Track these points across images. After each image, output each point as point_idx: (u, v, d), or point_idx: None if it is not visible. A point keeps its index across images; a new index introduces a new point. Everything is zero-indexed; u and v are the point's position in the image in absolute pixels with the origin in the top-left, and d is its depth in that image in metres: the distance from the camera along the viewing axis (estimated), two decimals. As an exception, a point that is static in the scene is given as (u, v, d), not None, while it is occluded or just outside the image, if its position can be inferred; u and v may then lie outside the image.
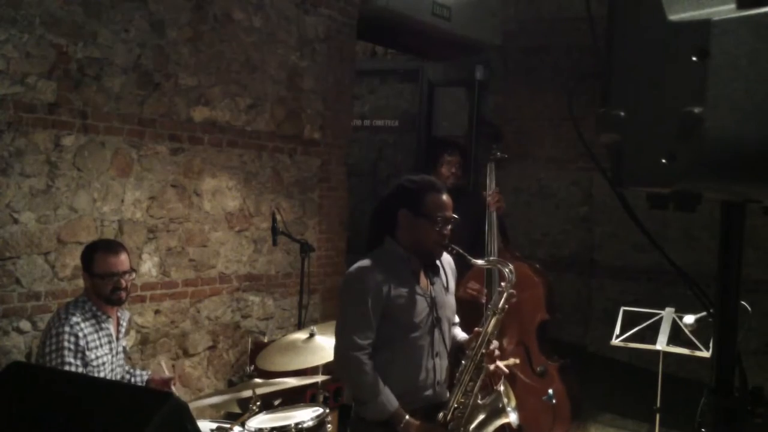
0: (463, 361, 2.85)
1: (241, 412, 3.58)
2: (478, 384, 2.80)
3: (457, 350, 2.96)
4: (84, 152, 4.13)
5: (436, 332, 2.83)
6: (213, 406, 4.22)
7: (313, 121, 5.68)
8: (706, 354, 3.92)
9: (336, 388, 4.52)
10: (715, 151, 1.10)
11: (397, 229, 2.83)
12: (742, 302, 1.44)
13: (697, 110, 1.09)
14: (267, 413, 3.42)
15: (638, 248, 6.88)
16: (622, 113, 1.22)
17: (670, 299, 4.30)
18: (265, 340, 5.01)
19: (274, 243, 4.65)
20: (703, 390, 1.40)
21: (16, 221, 3.83)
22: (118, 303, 3.33)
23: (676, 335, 4.10)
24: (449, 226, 2.82)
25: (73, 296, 4.02)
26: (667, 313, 4.19)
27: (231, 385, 4.93)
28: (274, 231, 4.56)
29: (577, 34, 6.78)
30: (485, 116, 8.04)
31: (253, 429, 3.19)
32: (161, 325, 4.63)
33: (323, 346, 3.47)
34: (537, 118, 7.67)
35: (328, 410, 3.41)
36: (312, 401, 3.87)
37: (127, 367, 3.50)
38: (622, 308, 4.34)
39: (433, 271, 2.90)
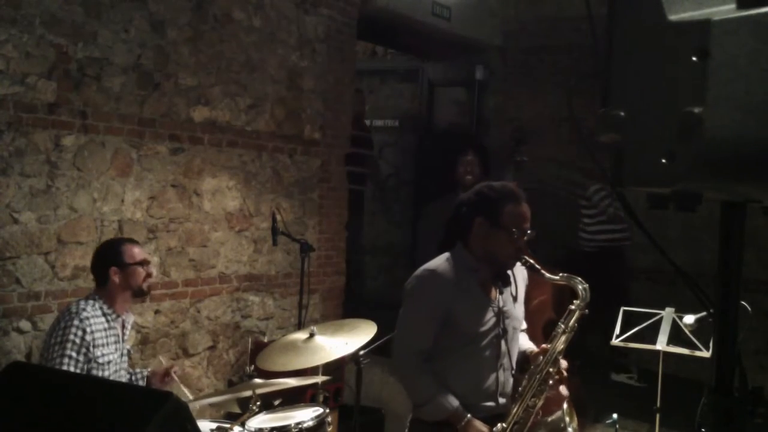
0: (527, 376, 2.77)
1: (241, 412, 3.57)
2: (540, 401, 2.72)
3: (522, 360, 2.89)
4: (84, 152, 4.13)
5: (503, 344, 2.76)
6: (213, 406, 4.22)
7: (313, 121, 5.68)
8: (706, 354, 3.92)
9: (336, 388, 4.52)
10: (715, 151, 1.10)
11: (471, 236, 2.76)
12: (742, 302, 1.44)
13: (697, 110, 1.09)
14: (267, 413, 3.42)
15: (638, 248, 6.87)
16: (622, 113, 1.22)
17: (670, 299, 4.29)
18: (265, 340, 5.01)
19: (274, 243, 4.65)
20: (703, 390, 1.40)
21: (16, 221, 3.83)
22: (148, 293, 3.51)
23: (676, 335, 4.10)
24: (525, 239, 2.73)
25: (74, 296, 4.02)
26: (667, 313, 4.18)
27: (231, 385, 4.93)
28: (274, 231, 4.56)
29: (577, 34, 6.78)
30: (486, 116, 8.04)
31: (253, 429, 3.19)
32: (161, 325, 4.63)
33: (323, 346, 3.47)
34: (537, 118, 7.66)
35: (328, 410, 3.40)
36: (312, 401, 3.87)
37: (130, 370, 3.51)
38: (622, 308, 4.34)
39: (503, 281, 2.82)
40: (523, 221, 2.72)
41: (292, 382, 3.42)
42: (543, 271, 2.77)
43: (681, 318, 3.98)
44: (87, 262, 4.15)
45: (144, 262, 3.41)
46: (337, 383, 4.57)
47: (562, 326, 2.77)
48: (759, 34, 1.08)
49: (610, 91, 1.25)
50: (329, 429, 3.35)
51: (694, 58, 1.10)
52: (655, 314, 4.21)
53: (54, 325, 3.25)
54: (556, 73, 7.55)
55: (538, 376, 2.72)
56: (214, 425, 3.22)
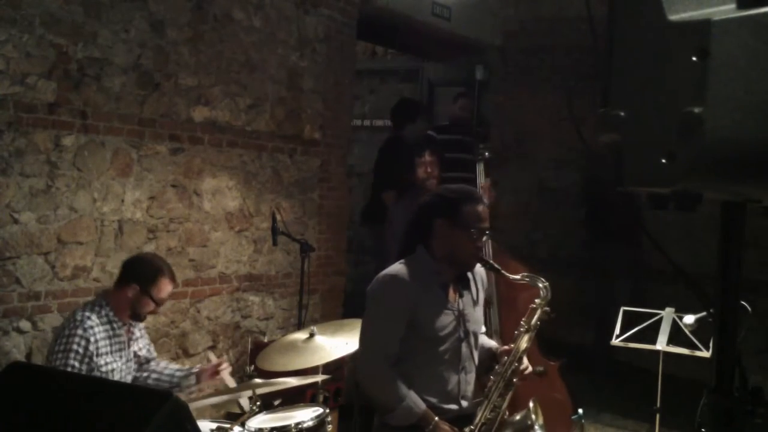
0: (492, 377, 2.81)
1: (241, 412, 3.57)
2: (506, 400, 2.76)
3: (487, 357, 2.93)
4: (84, 152, 4.13)
5: (464, 347, 2.79)
6: (213, 406, 4.22)
7: (313, 121, 5.68)
8: (706, 354, 3.92)
9: (336, 388, 4.52)
10: (715, 151, 1.10)
11: (432, 238, 2.79)
12: (742, 302, 1.44)
13: (697, 110, 1.09)
14: (267, 413, 3.42)
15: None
16: (622, 113, 1.22)
17: (670, 299, 4.29)
18: (265, 340, 5.01)
19: (274, 243, 4.65)
20: (703, 390, 1.40)
21: (16, 221, 3.83)
22: (142, 320, 3.42)
23: (676, 335, 4.10)
24: (484, 238, 2.78)
25: (74, 296, 4.03)
26: (667, 313, 4.18)
27: (231, 385, 4.92)
28: (274, 231, 4.56)
29: (577, 34, 6.78)
30: (484, 116, 8.04)
31: (253, 429, 3.19)
32: (161, 325, 4.63)
33: (323, 346, 3.47)
34: (537, 118, 7.66)
35: (328, 410, 3.40)
36: (312, 401, 3.87)
37: (153, 365, 3.50)
38: (622, 308, 4.34)
39: (463, 284, 2.86)
40: (481, 220, 2.77)
41: (292, 382, 3.42)
42: (503, 272, 2.83)
43: (681, 318, 3.99)
44: (87, 262, 4.16)
45: (161, 302, 3.40)
46: (337, 383, 4.57)
47: (525, 325, 2.81)
48: (759, 34, 1.08)
49: (610, 91, 1.25)
50: (329, 429, 3.35)
51: (694, 58, 1.10)
52: (655, 314, 4.21)
53: (59, 331, 3.26)
54: (556, 73, 7.55)
55: (503, 376, 2.76)
56: (214, 425, 3.22)
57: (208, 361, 3.83)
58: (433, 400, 2.74)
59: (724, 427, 1.37)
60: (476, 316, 2.88)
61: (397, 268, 2.79)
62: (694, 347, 4.00)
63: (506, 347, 2.84)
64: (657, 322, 4.19)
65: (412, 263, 2.79)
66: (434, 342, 2.74)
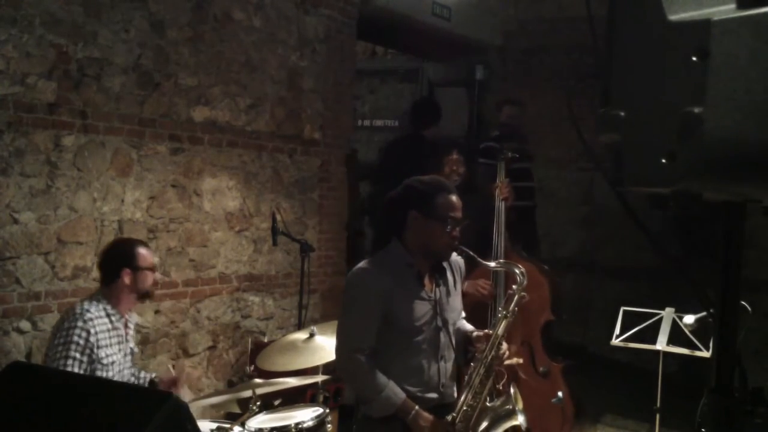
0: (472, 363, 2.84)
1: (241, 412, 3.57)
2: (487, 386, 2.79)
3: (465, 341, 2.95)
4: (84, 152, 4.13)
5: (442, 335, 2.82)
6: (213, 406, 4.22)
7: (313, 121, 5.68)
8: (706, 354, 3.92)
9: (336, 388, 4.52)
10: (715, 151, 1.10)
11: (406, 230, 2.81)
12: (742, 302, 1.44)
13: (697, 110, 1.09)
14: (267, 413, 3.42)
15: (638, 248, 6.87)
16: (622, 113, 1.22)
17: (670, 299, 4.29)
18: (265, 340, 5.01)
19: (274, 243, 4.65)
20: (703, 390, 1.40)
21: (16, 221, 3.83)
22: (152, 296, 3.53)
23: (676, 335, 4.10)
24: (458, 228, 2.80)
25: (74, 296, 4.02)
26: (667, 313, 4.18)
27: (231, 385, 4.93)
28: (274, 231, 4.56)
29: (577, 34, 6.78)
30: (485, 116, 8.04)
31: (253, 429, 3.19)
32: (161, 325, 4.63)
33: (323, 346, 3.47)
34: (537, 118, 7.66)
35: (328, 410, 3.40)
36: (312, 401, 3.87)
37: (133, 370, 3.51)
38: (622, 308, 4.34)
39: (439, 274, 2.88)
40: (455, 209, 2.78)
41: (292, 382, 3.42)
42: (479, 260, 2.86)
43: (681, 318, 3.98)
44: (87, 262, 4.16)
45: (154, 267, 3.45)
46: (337, 383, 4.56)
47: (503, 311, 2.84)
48: (759, 34, 1.08)
49: (610, 91, 1.25)
50: (329, 429, 3.35)
51: (694, 58, 1.10)
52: (655, 314, 4.21)
53: (58, 325, 3.25)
54: (556, 73, 7.55)
55: (483, 362, 2.79)
56: (214, 425, 3.22)
57: (169, 371, 3.85)
58: (413, 389, 2.76)
59: (724, 427, 1.37)
60: (453, 304, 2.91)
61: (372, 260, 2.82)
62: (694, 347, 4.00)
63: (482, 332, 2.87)
64: (657, 322, 4.19)
65: (387, 256, 2.82)
66: (411, 332, 2.76)
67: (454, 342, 2.88)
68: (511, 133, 6.42)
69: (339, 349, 2.80)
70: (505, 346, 2.84)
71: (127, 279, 3.33)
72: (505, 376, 2.93)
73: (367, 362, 2.73)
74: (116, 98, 4.28)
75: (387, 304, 2.72)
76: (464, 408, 2.76)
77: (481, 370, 2.79)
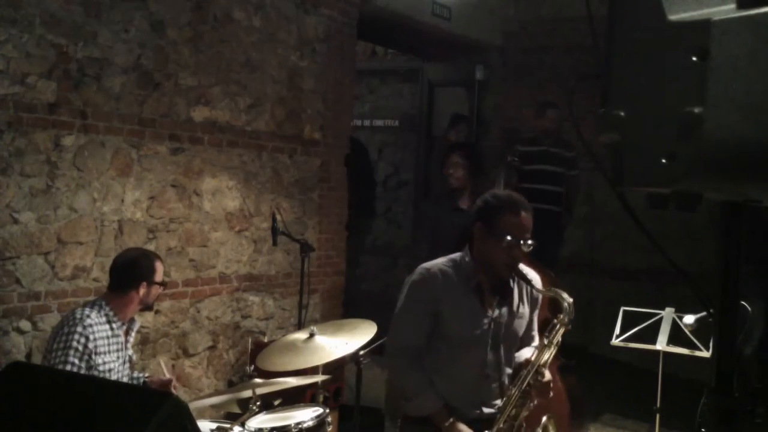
0: (512, 387, 2.76)
1: (241, 412, 3.57)
2: (522, 414, 2.72)
3: (516, 369, 2.88)
4: (84, 152, 4.13)
5: (490, 354, 2.78)
6: (213, 406, 4.22)
7: (313, 121, 5.68)
8: (706, 354, 3.92)
9: (336, 388, 4.52)
10: (715, 151, 1.10)
11: (474, 240, 2.82)
12: (742, 302, 1.44)
13: (697, 110, 1.09)
14: (267, 413, 3.42)
15: (638, 248, 6.87)
16: (622, 113, 1.22)
17: (670, 299, 4.29)
18: (265, 340, 5.01)
19: (274, 243, 4.65)
20: (703, 390, 1.40)
21: (16, 221, 3.83)
22: (152, 309, 3.67)
23: (676, 335, 4.10)
24: (520, 249, 2.71)
25: (74, 296, 4.02)
26: (667, 313, 4.18)
27: (231, 385, 4.93)
28: (274, 231, 4.56)
29: (577, 34, 6.78)
30: (486, 116, 8.04)
31: (253, 429, 3.19)
32: (161, 325, 4.63)
33: (323, 346, 3.47)
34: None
35: (328, 410, 3.40)
36: (312, 401, 3.87)
37: (132, 376, 3.51)
38: (622, 308, 4.34)
39: (503, 293, 2.82)
40: (517, 231, 2.71)
41: (292, 382, 3.42)
42: (531, 284, 2.81)
43: (681, 318, 3.98)
44: (87, 262, 4.16)
45: (165, 283, 3.52)
46: (337, 383, 4.57)
47: (546, 340, 2.76)
48: (759, 34, 1.08)
49: (610, 91, 1.25)
50: (329, 429, 3.35)
51: (694, 58, 1.10)
52: (655, 314, 4.21)
53: (57, 329, 3.24)
54: (556, 73, 7.55)
55: (519, 387, 2.72)
56: (214, 425, 3.22)
57: (160, 365, 3.84)
58: (452, 400, 2.76)
59: (724, 427, 1.37)
60: (514, 327, 2.84)
61: (435, 262, 2.84)
62: (694, 347, 4.00)
63: (525, 359, 2.80)
64: (657, 322, 4.19)
65: (452, 261, 2.83)
66: (458, 343, 2.75)
67: (504, 364, 2.83)
68: (557, 137, 6.33)
69: (388, 345, 2.86)
70: (548, 376, 2.75)
71: (141, 292, 3.35)
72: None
73: (411, 361, 2.76)
74: (116, 98, 4.28)
75: (437, 308, 2.74)
76: (500, 426, 2.69)
77: (517, 397, 2.71)
